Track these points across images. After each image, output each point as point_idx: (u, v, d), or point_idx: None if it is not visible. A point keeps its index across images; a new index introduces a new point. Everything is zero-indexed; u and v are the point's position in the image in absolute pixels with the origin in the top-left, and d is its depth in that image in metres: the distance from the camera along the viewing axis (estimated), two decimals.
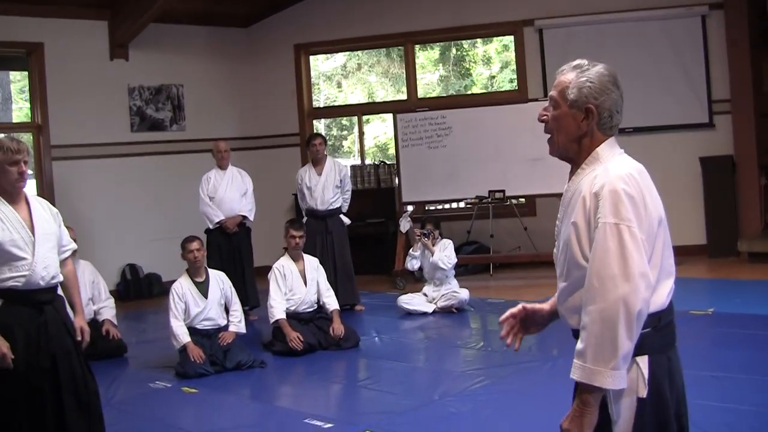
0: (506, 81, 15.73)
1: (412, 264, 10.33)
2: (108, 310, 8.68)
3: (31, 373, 4.69)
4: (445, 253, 10.04)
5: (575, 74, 2.90)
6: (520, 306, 3.17)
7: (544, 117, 2.96)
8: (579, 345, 2.70)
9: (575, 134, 2.90)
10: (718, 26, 12.53)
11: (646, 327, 2.73)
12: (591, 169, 2.86)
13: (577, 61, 2.94)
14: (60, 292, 5.04)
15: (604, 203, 2.71)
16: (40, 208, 4.94)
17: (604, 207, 2.71)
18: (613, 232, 2.68)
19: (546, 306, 3.14)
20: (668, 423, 2.80)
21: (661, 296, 2.81)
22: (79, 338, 4.97)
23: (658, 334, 2.80)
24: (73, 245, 5.22)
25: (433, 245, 10.05)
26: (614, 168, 2.79)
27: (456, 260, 10.23)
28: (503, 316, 3.16)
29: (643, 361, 2.76)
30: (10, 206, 4.75)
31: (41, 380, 4.72)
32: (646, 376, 2.75)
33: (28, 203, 4.86)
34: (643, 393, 2.74)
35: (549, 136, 2.96)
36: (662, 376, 2.79)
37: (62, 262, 5.03)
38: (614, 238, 2.67)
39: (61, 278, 4.96)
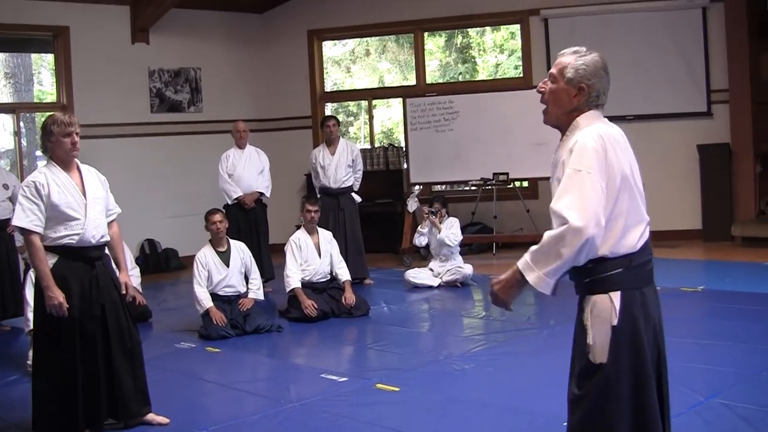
0: (511, 68, 16.11)
1: (420, 240, 10.78)
2: (134, 279, 9.13)
3: (84, 320, 5.35)
4: (451, 231, 10.50)
5: (574, 57, 3.46)
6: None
7: (542, 89, 3.52)
8: (534, 246, 3.28)
9: (567, 107, 3.44)
10: (719, 18, 12.85)
11: (618, 267, 3.28)
12: (572, 135, 3.39)
13: (576, 48, 3.52)
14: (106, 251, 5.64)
15: (573, 155, 3.26)
16: (90, 175, 5.58)
17: (573, 158, 3.26)
18: (577, 176, 3.21)
19: None
20: (642, 348, 3.32)
21: (632, 240, 3.32)
22: (123, 292, 5.61)
23: (630, 273, 3.30)
24: (118, 209, 5.85)
25: (440, 223, 10.50)
26: (588, 130, 3.33)
27: (461, 237, 10.66)
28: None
29: (616, 295, 3.28)
30: (65, 173, 5.41)
31: (93, 327, 5.37)
32: (618, 307, 3.27)
33: (79, 171, 5.52)
34: (615, 321, 3.27)
35: (545, 107, 3.54)
36: (636, 308, 3.30)
37: (108, 224, 5.65)
38: (576, 180, 3.21)
39: (108, 238, 5.59)
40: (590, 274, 3.31)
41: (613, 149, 3.30)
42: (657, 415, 3.40)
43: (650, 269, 3.43)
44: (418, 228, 10.89)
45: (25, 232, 5.28)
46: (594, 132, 3.31)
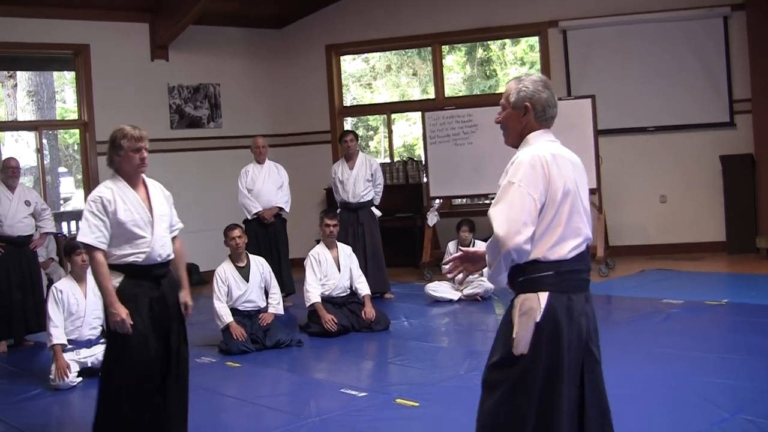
0: None
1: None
2: None
3: (151, 340, 5.15)
4: None
5: (515, 83, 3.85)
6: (460, 252, 3.99)
7: (498, 119, 3.90)
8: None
9: (519, 128, 3.84)
10: (740, 27, 12.70)
11: (549, 270, 3.61)
12: (521, 149, 3.79)
13: (519, 75, 3.90)
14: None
15: (512, 169, 3.65)
16: (156, 190, 5.41)
17: (510, 171, 3.64)
18: (510, 188, 3.59)
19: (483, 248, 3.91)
20: (560, 348, 3.59)
21: (564, 249, 3.63)
22: (184, 312, 5.45)
23: (558, 277, 3.62)
24: (181, 224, 5.64)
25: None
26: (532, 148, 3.71)
27: None
28: (447, 259, 4.04)
29: (543, 296, 3.59)
30: (132, 189, 5.23)
31: (158, 346, 5.20)
32: (543, 306, 3.57)
33: (146, 186, 5.34)
34: (538, 318, 3.56)
35: (503, 132, 3.93)
36: (560, 310, 3.60)
37: (172, 240, 5.46)
38: (508, 192, 3.59)
39: (172, 255, 5.41)
40: (523, 274, 3.62)
41: (557, 165, 3.65)
42: (561, 415, 3.60)
43: (581, 278, 3.73)
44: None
45: (90, 249, 5.09)
46: (536, 151, 3.67)
